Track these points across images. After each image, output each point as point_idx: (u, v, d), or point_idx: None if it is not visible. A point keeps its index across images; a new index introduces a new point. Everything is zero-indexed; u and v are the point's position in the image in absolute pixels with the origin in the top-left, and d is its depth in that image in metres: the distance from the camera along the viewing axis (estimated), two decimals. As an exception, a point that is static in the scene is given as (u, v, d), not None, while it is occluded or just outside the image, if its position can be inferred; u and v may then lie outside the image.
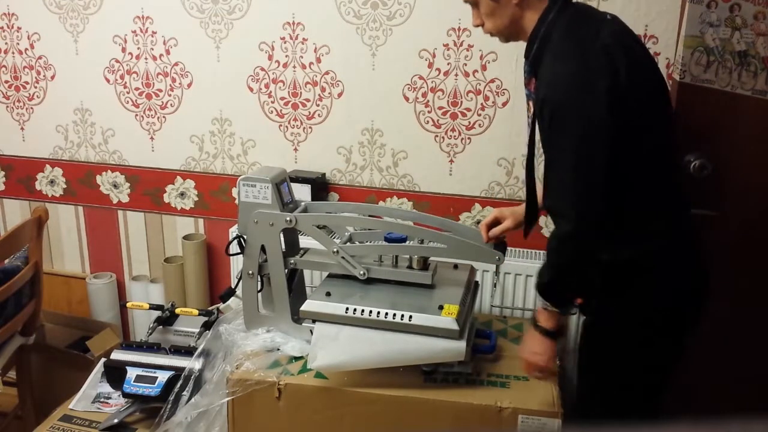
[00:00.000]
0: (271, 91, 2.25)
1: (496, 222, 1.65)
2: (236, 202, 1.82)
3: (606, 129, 1.27)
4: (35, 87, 2.46)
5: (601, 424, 0.52)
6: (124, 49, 2.34)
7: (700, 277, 1.43)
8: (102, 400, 1.82)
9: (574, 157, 1.28)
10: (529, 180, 1.49)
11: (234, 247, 1.65)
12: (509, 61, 2.04)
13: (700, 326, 1.44)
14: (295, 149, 2.29)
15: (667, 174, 1.41)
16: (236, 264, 2.07)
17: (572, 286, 1.38)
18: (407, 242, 1.59)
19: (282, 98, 2.25)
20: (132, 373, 1.71)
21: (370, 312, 1.48)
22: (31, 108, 2.49)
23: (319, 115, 2.23)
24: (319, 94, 2.21)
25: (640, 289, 1.39)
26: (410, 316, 1.45)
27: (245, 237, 1.64)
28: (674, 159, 1.45)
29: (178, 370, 1.69)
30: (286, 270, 1.64)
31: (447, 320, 1.43)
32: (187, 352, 1.73)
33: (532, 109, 1.47)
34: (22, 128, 2.53)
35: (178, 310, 1.89)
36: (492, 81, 2.07)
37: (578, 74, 1.29)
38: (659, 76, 1.43)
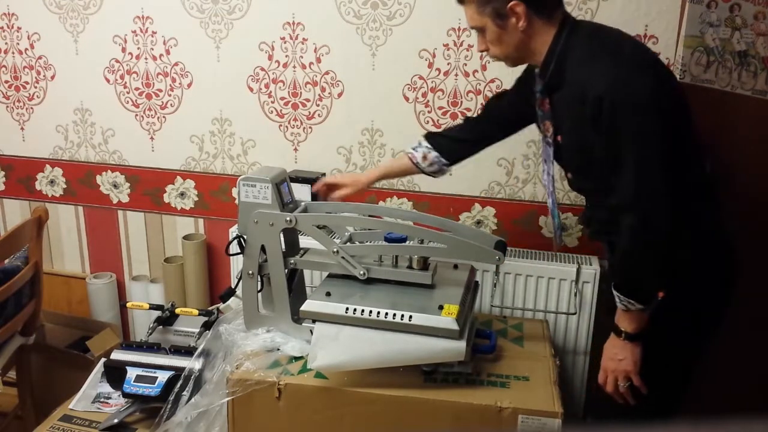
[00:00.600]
0: (271, 91, 2.25)
1: (335, 186, 1.80)
2: (236, 202, 1.82)
3: (664, 117, 1.29)
4: (35, 87, 2.47)
5: (601, 424, 0.52)
6: (124, 49, 2.34)
7: (731, 279, 1.46)
8: (102, 400, 1.82)
9: (638, 148, 1.29)
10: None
11: (234, 247, 1.65)
12: (509, 61, 2.04)
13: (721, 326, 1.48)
14: (295, 149, 2.29)
15: (699, 180, 1.43)
16: (236, 264, 2.07)
17: (652, 278, 1.37)
18: (407, 242, 1.59)
19: (282, 98, 2.25)
20: (132, 373, 1.71)
21: (370, 312, 1.47)
22: (31, 108, 2.49)
23: (319, 115, 2.23)
24: (319, 94, 2.21)
25: (681, 289, 1.41)
26: (410, 316, 1.45)
27: (245, 237, 1.64)
28: (702, 161, 1.47)
29: (178, 370, 1.68)
30: (286, 270, 1.64)
31: (447, 320, 1.43)
32: (187, 352, 1.73)
33: (551, 130, 1.50)
34: (22, 128, 2.53)
35: (178, 310, 1.89)
36: (492, 81, 2.07)
37: (625, 68, 1.31)
38: (677, 80, 1.47)
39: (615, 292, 1.40)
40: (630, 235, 1.34)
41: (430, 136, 1.77)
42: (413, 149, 1.77)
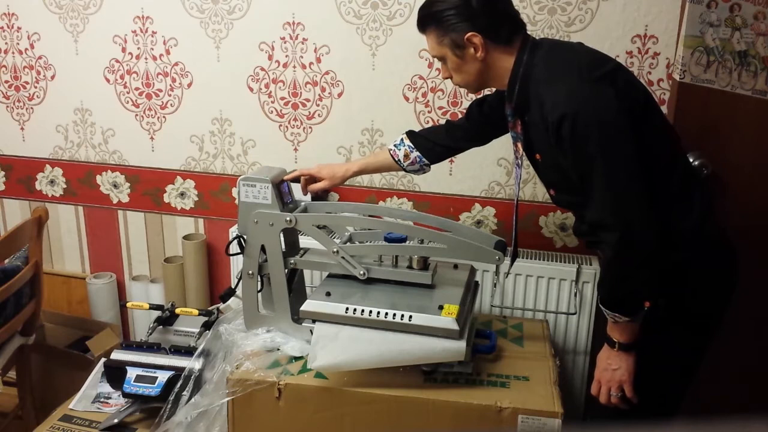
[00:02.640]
0: (271, 91, 2.25)
1: (313, 179, 1.80)
2: (236, 202, 1.82)
3: (626, 129, 1.29)
4: (35, 87, 2.47)
5: (601, 424, 0.52)
6: (124, 49, 2.34)
7: (730, 276, 1.46)
8: (102, 400, 1.82)
9: (603, 162, 1.29)
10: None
11: (234, 247, 1.65)
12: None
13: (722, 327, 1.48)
14: (295, 149, 2.29)
15: (682, 176, 1.42)
16: (236, 264, 2.07)
17: (638, 292, 1.37)
18: (407, 242, 1.59)
19: (282, 98, 2.25)
20: (132, 373, 1.71)
21: (370, 312, 1.48)
22: (31, 108, 2.49)
23: (319, 115, 2.23)
24: (319, 94, 2.21)
25: (680, 291, 1.41)
26: (410, 316, 1.45)
27: (245, 237, 1.64)
28: (684, 163, 1.47)
29: (178, 370, 1.68)
30: (286, 270, 1.64)
31: (447, 320, 1.43)
32: (187, 352, 1.73)
33: (521, 151, 1.52)
34: (22, 128, 2.53)
35: (178, 310, 1.89)
36: (492, 81, 2.07)
37: (582, 85, 1.31)
38: (641, 84, 1.47)
39: (602, 307, 1.41)
40: (613, 252, 1.34)
41: (412, 135, 1.78)
42: (395, 146, 1.78)
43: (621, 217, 1.31)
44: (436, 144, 1.76)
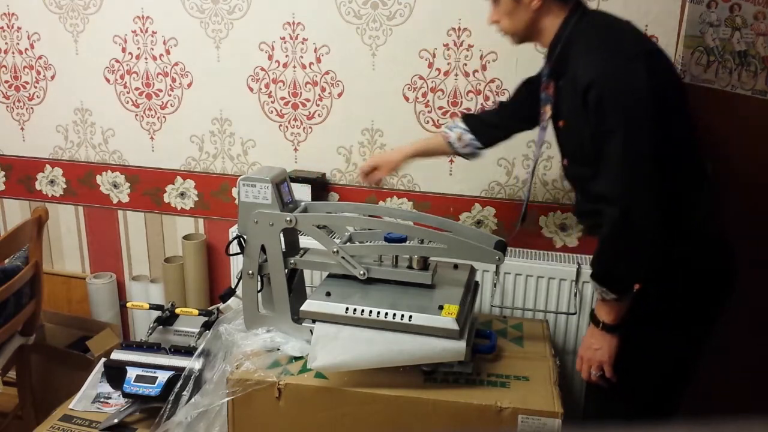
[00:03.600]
0: (271, 91, 2.25)
1: (370, 169, 1.83)
2: (236, 202, 1.82)
3: (651, 108, 1.29)
4: (35, 87, 2.47)
5: (601, 424, 0.52)
6: (124, 49, 2.34)
7: (728, 274, 1.46)
8: (102, 400, 1.82)
9: (622, 135, 1.29)
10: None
11: (234, 247, 1.65)
12: (509, 61, 2.04)
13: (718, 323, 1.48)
14: (295, 149, 2.29)
15: (694, 173, 1.42)
16: (236, 264, 2.07)
17: (630, 271, 1.37)
18: (407, 242, 1.59)
19: (282, 98, 2.25)
20: (132, 373, 1.71)
21: (370, 312, 1.47)
22: (31, 108, 2.49)
23: (319, 115, 2.23)
24: (319, 94, 2.21)
25: (674, 285, 1.41)
26: (410, 316, 1.45)
27: (245, 237, 1.64)
28: (700, 162, 1.47)
29: (178, 370, 1.68)
30: (286, 270, 1.64)
31: (447, 320, 1.43)
32: (187, 352, 1.73)
33: (548, 113, 1.51)
34: (22, 128, 2.53)
35: (178, 310, 1.89)
36: (492, 81, 2.07)
37: (618, 57, 1.33)
38: (679, 76, 1.47)
39: (591, 281, 1.41)
40: (610, 226, 1.34)
41: (466, 117, 1.78)
42: (449, 129, 1.78)
43: (628, 193, 1.31)
44: (487, 125, 1.76)
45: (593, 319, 1.45)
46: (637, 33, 1.44)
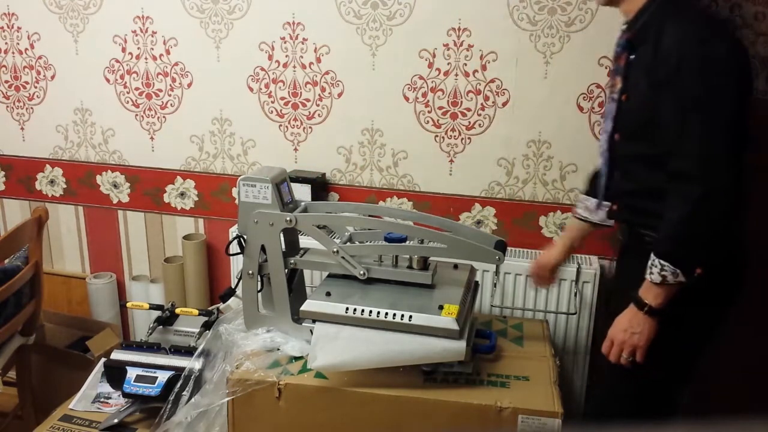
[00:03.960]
0: (271, 91, 2.25)
1: (539, 269, 1.75)
2: (236, 202, 1.82)
3: (735, 89, 1.28)
4: (35, 87, 2.47)
5: (601, 424, 0.52)
6: (124, 49, 2.34)
7: (738, 278, 1.47)
8: (102, 400, 1.82)
9: (708, 111, 1.27)
10: (611, 162, 1.51)
11: (234, 247, 1.65)
12: (509, 61, 2.04)
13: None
14: (295, 149, 2.29)
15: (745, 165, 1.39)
16: (236, 264, 2.07)
17: (703, 251, 1.34)
18: (407, 242, 1.59)
19: (282, 98, 2.25)
20: (132, 373, 1.71)
21: (370, 312, 1.48)
22: (31, 108, 2.49)
23: (319, 115, 2.23)
24: (319, 94, 2.21)
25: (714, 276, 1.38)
26: (410, 316, 1.45)
27: (245, 237, 1.64)
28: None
29: (178, 370, 1.68)
30: (286, 270, 1.64)
31: (447, 320, 1.43)
32: (187, 352, 1.73)
33: (618, 85, 1.47)
34: (22, 128, 2.53)
35: (178, 310, 1.89)
36: (492, 81, 2.07)
37: (710, 33, 1.31)
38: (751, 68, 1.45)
39: (659, 261, 1.35)
40: (691, 204, 1.30)
41: (585, 191, 1.75)
42: (578, 211, 1.74)
43: (710, 172, 1.28)
44: (593, 177, 1.69)
45: (637, 302, 1.40)
46: (726, 21, 1.43)
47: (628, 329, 1.42)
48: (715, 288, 1.42)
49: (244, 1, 2.19)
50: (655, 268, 1.36)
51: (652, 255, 1.37)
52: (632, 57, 1.43)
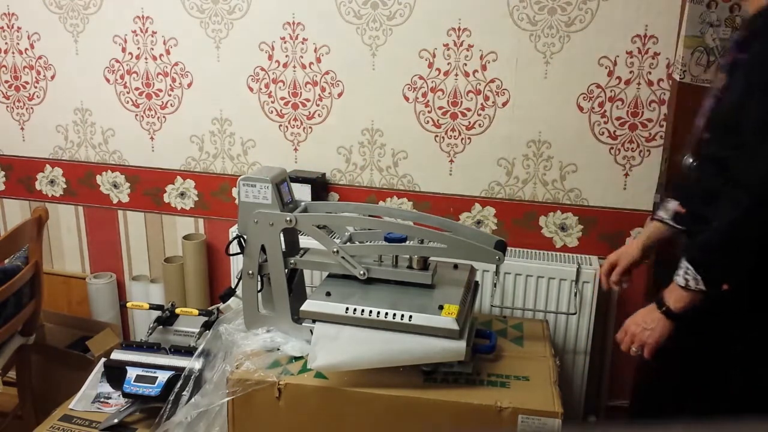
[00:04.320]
0: (271, 91, 2.25)
1: (612, 268, 1.68)
2: (236, 202, 1.82)
3: None
4: (35, 87, 2.47)
5: (600, 424, 0.52)
6: (124, 49, 2.34)
7: None
8: (102, 400, 1.82)
9: None
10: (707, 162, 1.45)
11: (234, 247, 1.65)
12: (509, 61, 2.04)
13: None
14: (295, 149, 2.29)
15: None
16: (236, 264, 2.07)
17: (737, 265, 1.31)
18: (407, 242, 1.59)
19: (282, 98, 2.25)
20: (132, 373, 1.71)
21: (370, 312, 1.48)
22: (31, 108, 2.49)
23: (319, 115, 2.23)
24: (319, 94, 2.21)
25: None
26: (410, 316, 1.45)
27: (245, 237, 1.64)
28: None
29: (178, 370, 1.68)
30: (286, 270, 1.64)
31: (447, 320, 1.43)
32: (187, 352, 1.73)
33: (723, 81, 1.43)
34: (22, 128, 2.53)
35: (178, 310, 1.89)
36: (492, 81, 2.07)
37: None
38: None
39: (686, 264, 1.33)
40: (738, 212, 1.26)
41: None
42: (659, 214, 1.67)
43: (765, 179, 1.24)
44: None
45: (658, 301, 1.39)
46: None
47: (641, 324, 1.41)
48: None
49: (244, 1, 2.19)
50: (681, 270, 1.34)
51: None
52: (740, 56, 1.38)
